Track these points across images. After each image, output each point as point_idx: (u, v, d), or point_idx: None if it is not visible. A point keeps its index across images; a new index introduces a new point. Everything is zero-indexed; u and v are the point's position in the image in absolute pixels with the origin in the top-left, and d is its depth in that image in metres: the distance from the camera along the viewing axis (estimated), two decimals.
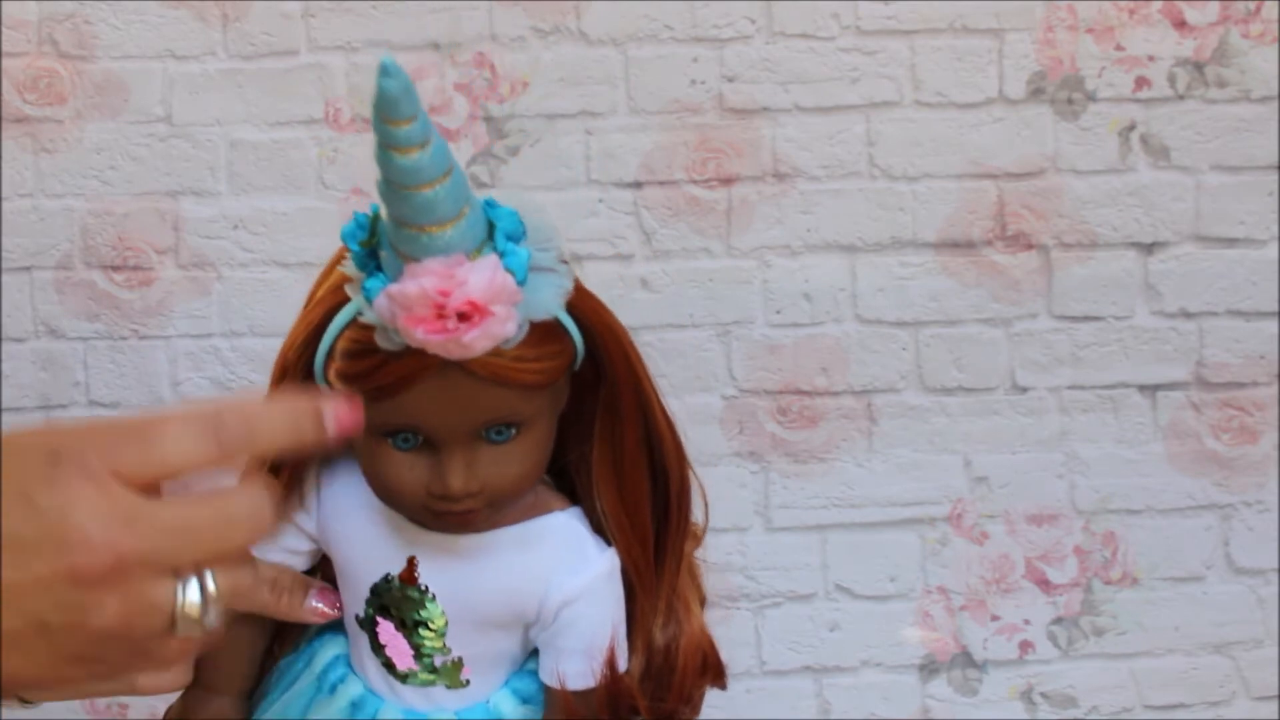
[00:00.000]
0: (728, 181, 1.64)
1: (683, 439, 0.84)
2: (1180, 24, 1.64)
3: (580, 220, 1.64)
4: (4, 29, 1.61)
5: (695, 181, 1.64)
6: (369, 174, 1.72)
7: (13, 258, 1.63)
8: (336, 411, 0.54)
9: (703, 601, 0.86)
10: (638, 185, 1.64)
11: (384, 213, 0.71)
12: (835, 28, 1.64)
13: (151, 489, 0.50)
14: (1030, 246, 1.65)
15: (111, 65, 1.62)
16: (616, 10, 1.63)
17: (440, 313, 0.69)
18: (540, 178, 1.64)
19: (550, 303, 0.74)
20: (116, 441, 0.50)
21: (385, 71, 0.63)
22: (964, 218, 1.65)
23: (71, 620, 0.49)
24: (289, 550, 0.83)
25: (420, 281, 0.68)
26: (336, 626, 0.85)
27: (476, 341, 0.70)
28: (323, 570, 0.84)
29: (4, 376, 1.62)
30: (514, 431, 0.75)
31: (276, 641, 0.86)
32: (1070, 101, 1.65)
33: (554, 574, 0.80)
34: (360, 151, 1.64)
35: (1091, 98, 1.64)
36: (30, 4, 1.61)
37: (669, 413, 0.82)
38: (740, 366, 1.66)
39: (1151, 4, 1.64)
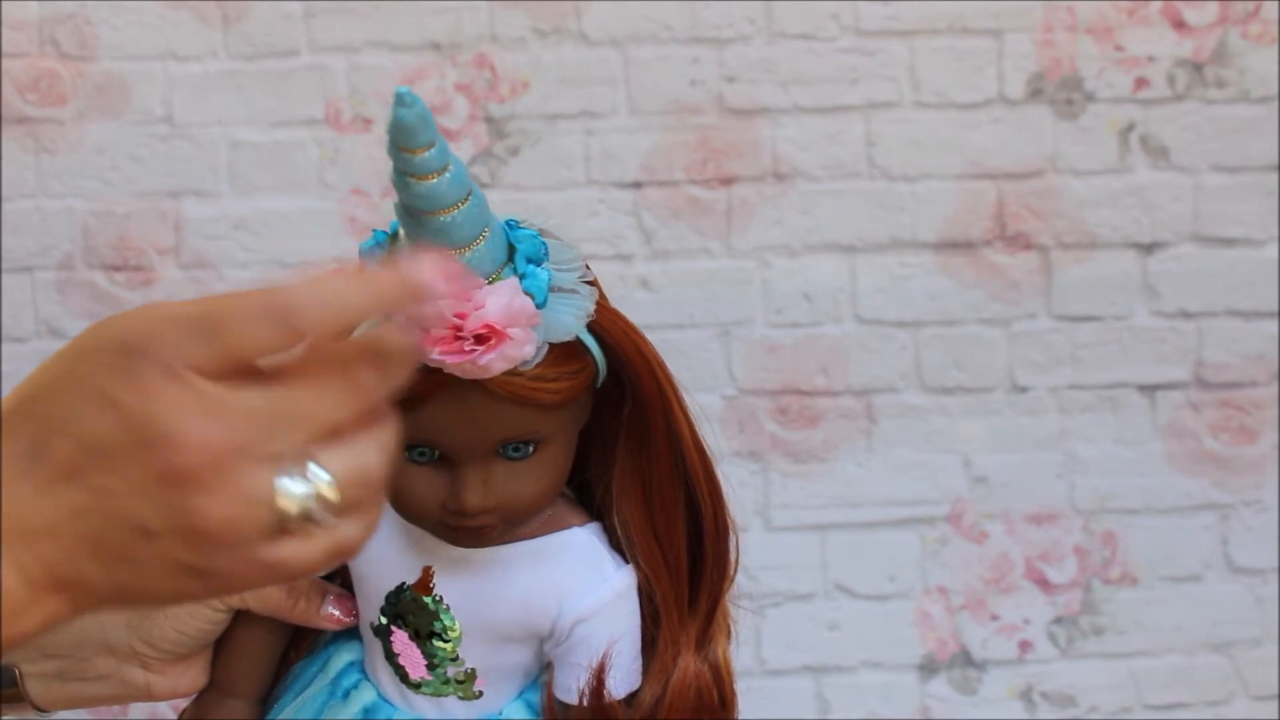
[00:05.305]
0: (728, 182, 1.65)
1: (721, 481, 0.81)
2: (1179, 24, 1.64)
3: (580, 220, 1.64)
4: (4, 29, 1.61)
5: (695, 182, 1.65)
6: (369, 174, 1.73)
7: (14, 258, 1.63)
8: (428, 273, 0.51)
9: (728, 634, 0.85)
10: (638, 185, 1.65)
11: (402, 234, 0.70)
12: (835, 28, 1.64)
13: (240, 375, 0.48)
14: (1029, 247, 1.66)
15: (112, 66, 1.62)
16: (616, 10, 1.63)
17: (457, 334, 0.69)
18: (540, 178, 1.64)
19: (570, 325, 0.73)
20: (183, 337, 0.47)
21: (401, 101, 0.63)
22: (963, 218, 1.66)
23: (174, 524, 0.46)
24: None
25: (437, 303, 0.68)
26: (352, 633, 0.84)
27: (493, 364, 0.70)
28: (341, 576, 0.84)
29: (5, 377, 1.63)
30: (531, 449, 0.75)
31: (292, 645, 0.86)
32: (1069, 102, 1.65)
33: (569, 591, 0.79)
34: (361, 152, 1.64)
35: (1091, 98, 1.65)
36: (31, 4, 1.61)
37: (706, 450, 0.81)
38: (740, 366, 1.66)
39: (1151, 4, 1.64)
